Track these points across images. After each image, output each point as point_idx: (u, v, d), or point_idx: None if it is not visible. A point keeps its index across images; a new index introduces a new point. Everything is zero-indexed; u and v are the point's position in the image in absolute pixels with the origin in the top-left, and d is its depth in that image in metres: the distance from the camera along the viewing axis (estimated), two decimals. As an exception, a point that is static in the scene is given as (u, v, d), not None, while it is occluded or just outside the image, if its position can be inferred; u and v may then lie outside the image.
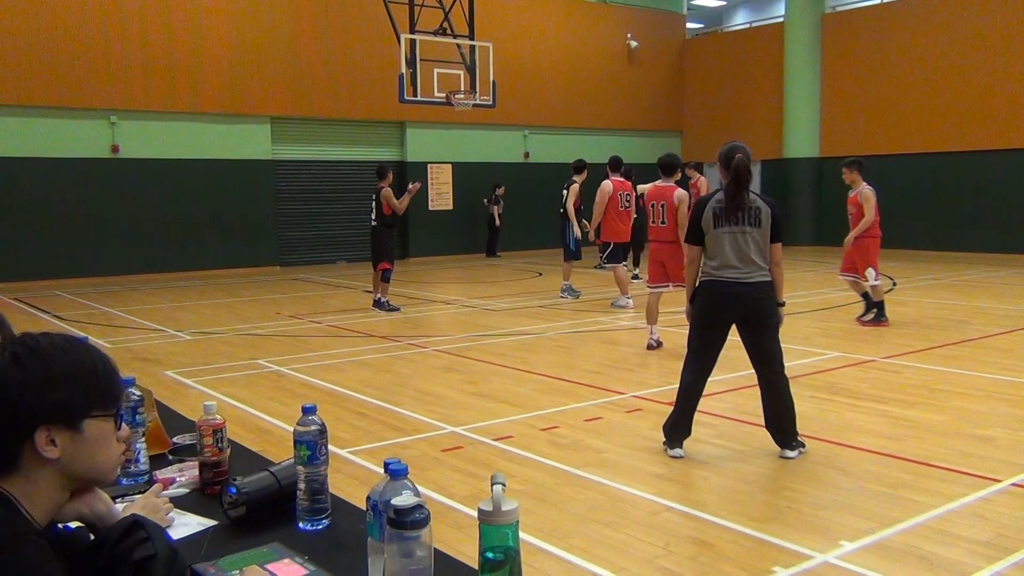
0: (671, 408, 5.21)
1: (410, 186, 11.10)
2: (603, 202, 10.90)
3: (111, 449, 1.52)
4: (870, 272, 9.52)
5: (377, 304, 11.37)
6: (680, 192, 8.36)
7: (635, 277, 14.44)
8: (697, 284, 5.16)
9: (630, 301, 11.21)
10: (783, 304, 5.16)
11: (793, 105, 21.30)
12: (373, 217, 11.27)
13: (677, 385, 5.26)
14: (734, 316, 5.05)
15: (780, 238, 5.02)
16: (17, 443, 1.42)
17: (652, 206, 8.46)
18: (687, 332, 5.30)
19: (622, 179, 11.17)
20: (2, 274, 14.81)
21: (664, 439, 5.15)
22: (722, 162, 5.03)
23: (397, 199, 11.10)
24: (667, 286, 8.49)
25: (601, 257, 11.36)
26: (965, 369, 7.34)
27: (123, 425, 1.56)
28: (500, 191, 19.93)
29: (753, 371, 5.18)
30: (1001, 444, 5.21)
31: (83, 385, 1.47)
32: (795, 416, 5.08)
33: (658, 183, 8.61)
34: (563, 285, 12.49)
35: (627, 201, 11.02)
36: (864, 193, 9.62)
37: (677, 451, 5.06)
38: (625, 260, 11.85)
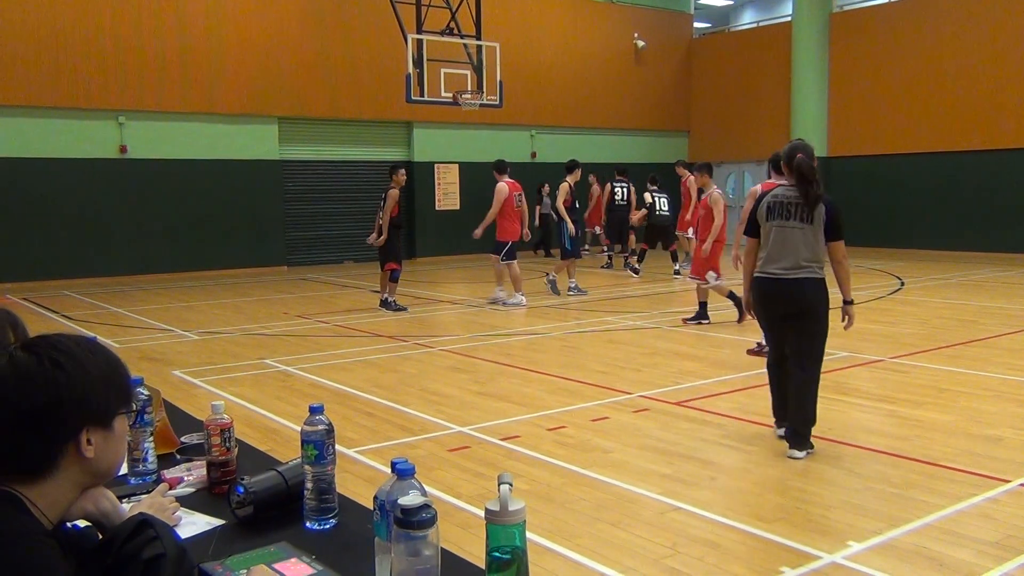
0: (677, 407, 5.20)
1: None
2: (499, 203, 11.51)
3: (125, 445, 1.56)
4: (711, 275, 9.71)
5: (384, 304, 11.37)
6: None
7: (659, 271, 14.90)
8: (754, 277, 5.21)
9: (523, 298, 11.67)
10: (851, 302, 5.15)
11: (801, 104, 21.24)
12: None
13: (692, 384, 5.25)
14: (781, 310, 5.11)
15: (839, 235, 5.01)
16: (61, 446, 1.43)
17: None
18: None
19: (513, 180, 11.83)
20: (11, 274, 14.86)
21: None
22: (785, 161, 5.08)
23: (398, 204, 11.15)
24: None
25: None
26: (973, 369, 7.31)
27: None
28: (545, 190, 19.46)
29: (759, 371, 5.15)
30: (1010, 444, 5.19)
31: (115, 385, 1.50)
32: (811, 420, 5.05)
33: (770, 180, 8.66)
34: (570, 284, 12.71)
35: (519, 201, 11.69)
36: (714, 196, 9.79)
37: (779, 431, 5.27)
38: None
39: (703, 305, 9.86)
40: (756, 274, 5.14)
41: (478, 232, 11.86)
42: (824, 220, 4.97)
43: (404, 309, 11.30)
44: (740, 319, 9.64)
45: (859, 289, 12.38)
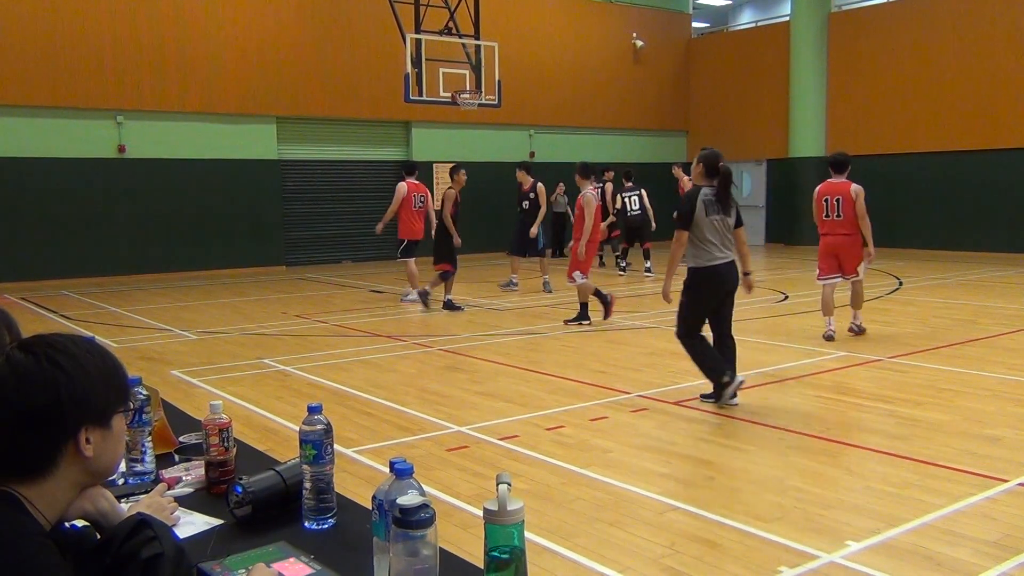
0: (676, 407, 5.21)
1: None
2: (397, 202, 11.89)
3: (123, 443, 1.56)
4: (577, 274, 9.91)
5: (448, 305, 11.36)
6: (856, 187, 8.56)
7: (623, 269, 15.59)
8: (695, 266, 6.07)
9: (415, 294, 11.96)
10: (750, 273, 6.41)
11: (799, 104, 21.25)
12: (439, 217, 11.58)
13: (691, 383, 5.24)
14: (727, 287, 6.11)
15: (742, 223, 6.26)
16: (60, 445, 1.43)
17: (825, 201, 8.68)
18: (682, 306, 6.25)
19: (417, 181, 12.18)
20: (9, 273, 14.85)
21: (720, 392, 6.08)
22: (707, 166, 6.15)
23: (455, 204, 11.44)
24: (838, 277, 8.72)
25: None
26: (972, 369, 7.31)
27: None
28: (560, 189, 19.21)
29: (758, 371, 5.15)
30: (1008, 444, 5.19)
31: (113, 383, 1.51)
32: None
33: (830, 180, 8.77)
34: (544, 279, 13.25)
35: (420, 202, 12.06)
36: (586, 197, 9.99)
37: (730, 397, 6.07)
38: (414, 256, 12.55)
39: (583, 306, 9.88)
40: (705, 263, 5.99)
41: (379, 228, 12.29)
42: (735, 212, 6.17)
43: (461, 309, 11.40)
44: (606, 316, 10.00)
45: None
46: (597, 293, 9.94)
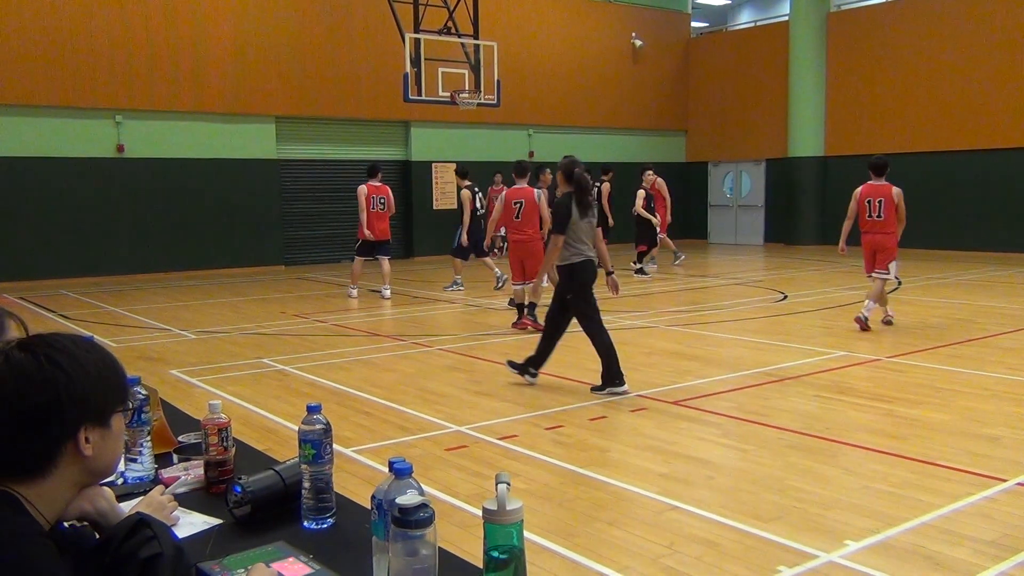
0: (675, 407, 5.20)
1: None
2: (361, 205, 12.30)
3: (122, 443, 1.55)
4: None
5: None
6: (897, 189, 9.32)
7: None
8: (574, 263, 6.59)
9: (355, 291, 12.62)
10: (613, 272, 7.01)
11: (798, 104, 21.26)
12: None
13: (690, 383, 5.22)
14: (593, 280, 6.69)
15: (602, 224, 6.75)
16: (60, 445, 1.43)
17: (868, 202, 9.40)
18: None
19: (379, 183, 12.55)
20: (8, 273, 14.84)
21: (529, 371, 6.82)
22: (564, 173, 6.69)
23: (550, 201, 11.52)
24: (881, 273, 9.34)
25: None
26: (970, 368, 7.32)
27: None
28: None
29: (757, 370, 5.14)
30: (1007, 443, 5.20)
31: (112, 382, 1.50)
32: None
33: (871, 182, 9.48)
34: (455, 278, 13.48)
35: (380, 204, 12.41)
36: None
37: (529, 378, 6.86)
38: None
39: (532, 305, 9.64)
40: (581, 258, 6.58)
41: (360, 233, 12.53)
42: (595, 214, 6.76)
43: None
44: (515, 324, 9.65)
45: (857, 289, 12.41)
46: (516, 302, 9.84)
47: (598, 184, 16.15)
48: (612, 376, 6.55)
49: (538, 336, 7.06)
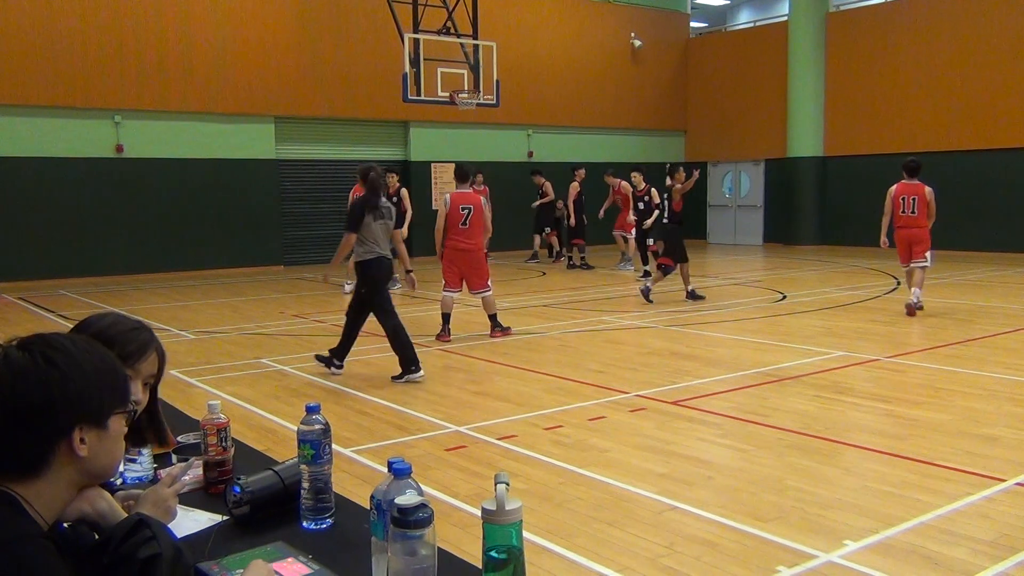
0: (674, 407, 5.20)
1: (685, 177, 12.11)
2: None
3: (122, 445, 1.55)
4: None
5: (691, 295, 11.77)
6: (929, 189, 10.28)
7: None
8: (367, 260, 7.12)
9: (348, 286, 12.67)
10: (411, 271, 7.66)
11: (797, 104, 21.26)
12: (665, 216, 11.97)
13: (689, 383, 5.23)
14: (388, 277, 7.37)
15: (401, 225, 6.99)
16: (53, 444, 1.43)
17: (902, 199, 10.37)
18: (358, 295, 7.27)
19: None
20: (7, 273, 14.83)
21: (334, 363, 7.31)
22: (362, 178, 7.46)
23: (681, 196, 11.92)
24: (919, 262, 10.26)
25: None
26: (970, 368, 7.32)
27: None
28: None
29: (757, 370, 5.13)
30: (1006, 443, 5.20)
31: (110, 383, 1.50)
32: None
33: (904, 181, 10.47)
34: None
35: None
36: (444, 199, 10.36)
37: (335, 368, 7.35)
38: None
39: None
40: (373, 256, 7.10)
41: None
42: (393, 216, 7.37)
43: (703, 298, 11.79)
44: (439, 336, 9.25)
45: (856, 288, 12.42)
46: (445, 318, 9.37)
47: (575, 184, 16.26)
48: (408, 363, 7.10)
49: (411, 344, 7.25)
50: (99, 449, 1.48)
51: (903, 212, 10.31)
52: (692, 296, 11.71)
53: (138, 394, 1.89)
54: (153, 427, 2.02)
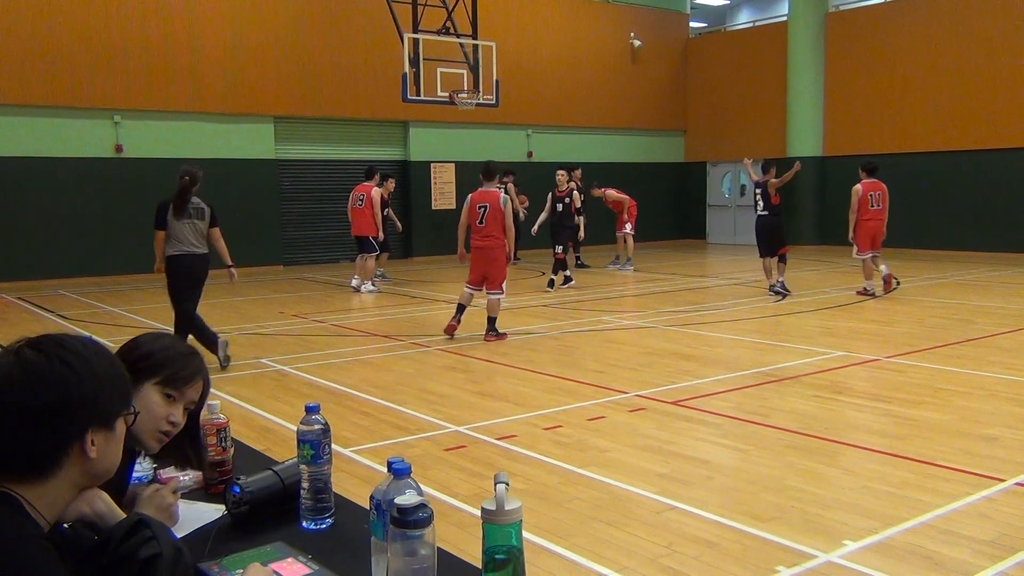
0: (674, 407, 5.20)
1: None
2: (377, 204, 13.51)
3: (122, 446, 1.55)
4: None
5: (778, 289, 12.03)
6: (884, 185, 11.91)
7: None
8: (171, 255, 7.60)
9: (364, 285, 13.39)
10: (233, 265, 8.04)
11: (797, 104, 21.26)
12: (762, 208, 12.27)
13: (688, 383, 5.21)
14: (196, 276, 7.72)
15: (217, 224, 7.89)
16: (67, 445, 1.43)
17: (871, 196, 11.79)
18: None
19: (367, 184, 13.67)
20: (6, 273, 14.82)
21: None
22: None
23: (778, 185, 12.38)
24: (871, 253, 11.89)
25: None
26: (969, 368, 7.32)
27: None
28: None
29: (757, 370, 5.13)
30: (1005, 443, 5.20)
31: (118, 386, 1.51)
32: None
33: (868, 180, 11.86)
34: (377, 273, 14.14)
35: (359, 202, 13.51)
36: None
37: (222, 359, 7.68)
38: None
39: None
40: (177, 252, 7.56)
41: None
42: (209, 216, 7.80)
43: (789, 293, 12.04)
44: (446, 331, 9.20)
45: (855, 288, 12.40)
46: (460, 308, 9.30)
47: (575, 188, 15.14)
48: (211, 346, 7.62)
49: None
50: (106, 451, 1.48)
51: (872, 207, 11.74)
52: (780, 290, 12.14)
53: (178, 416, 1.90)
54: (193, 450, 2.03)
